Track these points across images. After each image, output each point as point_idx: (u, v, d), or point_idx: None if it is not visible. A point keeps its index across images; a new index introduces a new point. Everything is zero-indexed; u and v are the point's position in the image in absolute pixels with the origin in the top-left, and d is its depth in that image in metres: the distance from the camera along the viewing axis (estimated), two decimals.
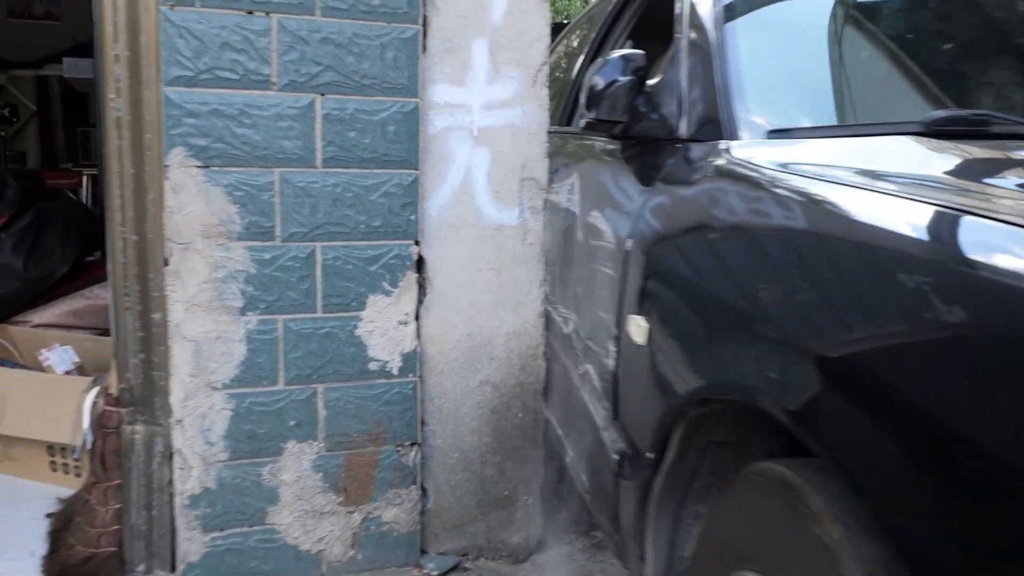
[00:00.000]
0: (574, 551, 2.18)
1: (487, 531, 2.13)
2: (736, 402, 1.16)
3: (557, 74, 3.07)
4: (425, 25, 1.91)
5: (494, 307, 2.06)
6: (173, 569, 1.94)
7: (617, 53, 1.66)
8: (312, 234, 1.87)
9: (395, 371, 1.98)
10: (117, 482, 1.94)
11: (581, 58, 2.69)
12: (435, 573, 2.03)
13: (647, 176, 1.61)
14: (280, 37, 1.79)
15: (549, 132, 2.05)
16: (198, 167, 1.78)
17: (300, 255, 1.87)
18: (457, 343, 2.04)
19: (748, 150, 1.37)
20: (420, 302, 1.99)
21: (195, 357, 1.83)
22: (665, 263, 1.40)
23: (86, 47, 6.20)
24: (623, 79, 1.62)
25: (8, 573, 1.93)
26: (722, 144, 1.43)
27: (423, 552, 2.08)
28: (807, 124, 1.51)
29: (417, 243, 1.95)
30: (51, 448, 2.32)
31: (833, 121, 1.55)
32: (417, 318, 1.99)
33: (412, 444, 2.02)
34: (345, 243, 1.90)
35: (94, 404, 2.08)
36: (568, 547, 2.19)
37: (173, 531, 1.92)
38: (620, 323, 1.51)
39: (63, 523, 2.04)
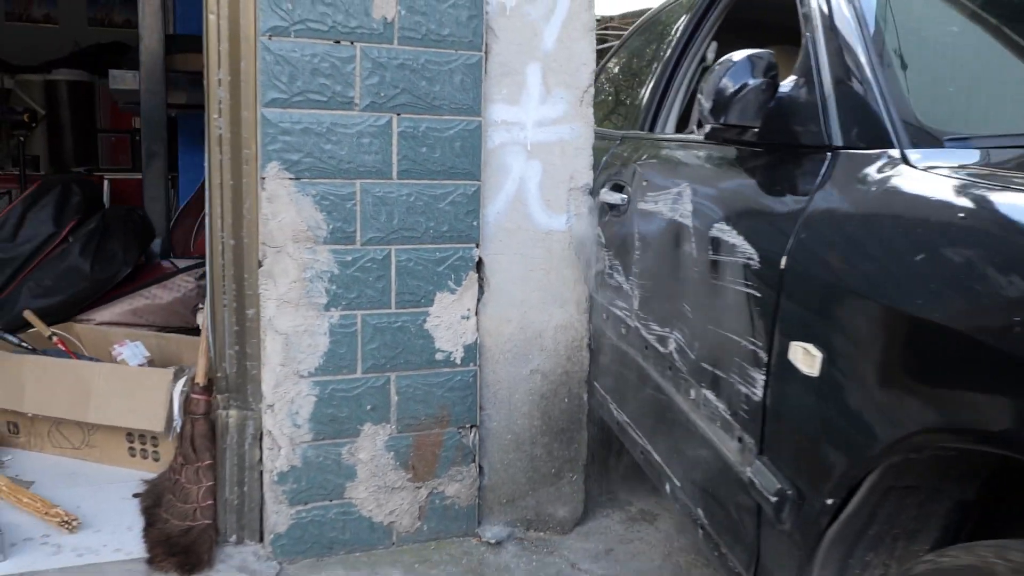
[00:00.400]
0: (612, 523, 2.42)
1: (536, 505, 2.36)
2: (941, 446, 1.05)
3: (616, 83, 3.15)
4: (486, 51, 2.14)
5: (544, 303, 2.29)
6: (261, 539, 2.16)
7: (742, 54, 1.54)
8: (388, 238, 2.09)
9: (458, 361, 2.21)
10: (208, 462, 2.15)
11: (660, 63, 2.57)
12: (492, 541, 2.26)
13: (794, 187, 1.47)
14: (363, 63, 2.02)
15: (642, 138, 2.21)
16: (290, 179, 2.00)
17: (377, 257, 2.09)
18: (511, 336, 2.28)
19: (946, 161, 1.25)
20: (479, 299, 2.22)
21: (285, 348, 2.05)
22: (851, 285, 1.22)
23: (87, 53, 6.39)
24: (754, 81, 1.51)
25: (111, 545, 2.13)
26: (894, 152, 1.31)
27: (480, 524, 2.31)
28: (982, 131, 1.41)
29: (477, 246, 2.18)
30: (130, 435, 2.53)
31: (1005, 128, 1.44)
32: (476, 313, 2.22)
33: (472, 426, 2.25)
34: (416, 246, 2.12)
35: (182, 393, 2.29)
36: (607, 519, 2.43)
37: (262, 505, 2.14)
38: (772, 349, 1.36)
39: (154, 501, 2.25)
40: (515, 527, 2.34)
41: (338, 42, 1.99)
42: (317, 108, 2.00)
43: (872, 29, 1.51)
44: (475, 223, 2.17)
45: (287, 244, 2.02)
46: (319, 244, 2.04)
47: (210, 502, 2.13)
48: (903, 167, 1.26)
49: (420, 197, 2.11)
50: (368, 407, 2.14)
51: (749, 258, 1.47)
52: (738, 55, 1.54)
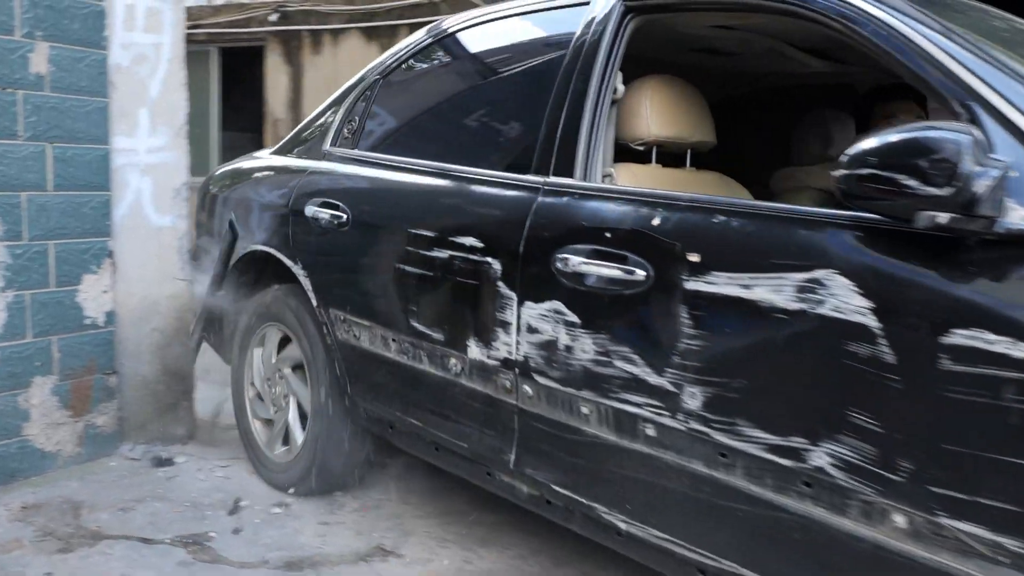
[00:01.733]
0: (218, 432, 3.39)
1: (161, 427, 3.23)
2: None
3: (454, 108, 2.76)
4: (110, 99, 2.97)
5: (159, 280, 3.18)
6: None
7: (965, 130, 1.40)
8: (48, 235, 2.81)
9: (101, 324, 3.00)
10: None
11: (563, 96, 2.18)
12: (135, 457, 3.09)
13: None
14: (24, 106, 2.72)
15: (623, 195, 1.98)
16: None
17: (41, 250, 2.80)
18: (136, 305, 3.12)
19: None
20: (113, 278, 3.03)
21: None
22: None
23: None
24: (996, 170, 1.38)
25: None
26: None
27: (122, 444, 3.11)
28: None
29: (111, 239, 3.00)
30: None
31: None
32: (112, 288, 3.02)
33: (112, 373, 3.05)
34: (68, 240, 2.87)
35: None
36: (210, 434, 3.40)
37: None
38: None
39: None
40: (149, 444, 3.18)
41: (5, 89, 2.68)
42: None
43: None
44: (108, 223, 2.99)
45: None
46: None
47: None
48: None
49: (70, 204, 2.87)
50: (37, 363, 2.83)
51: None
52: (947, 133, 1.40)
